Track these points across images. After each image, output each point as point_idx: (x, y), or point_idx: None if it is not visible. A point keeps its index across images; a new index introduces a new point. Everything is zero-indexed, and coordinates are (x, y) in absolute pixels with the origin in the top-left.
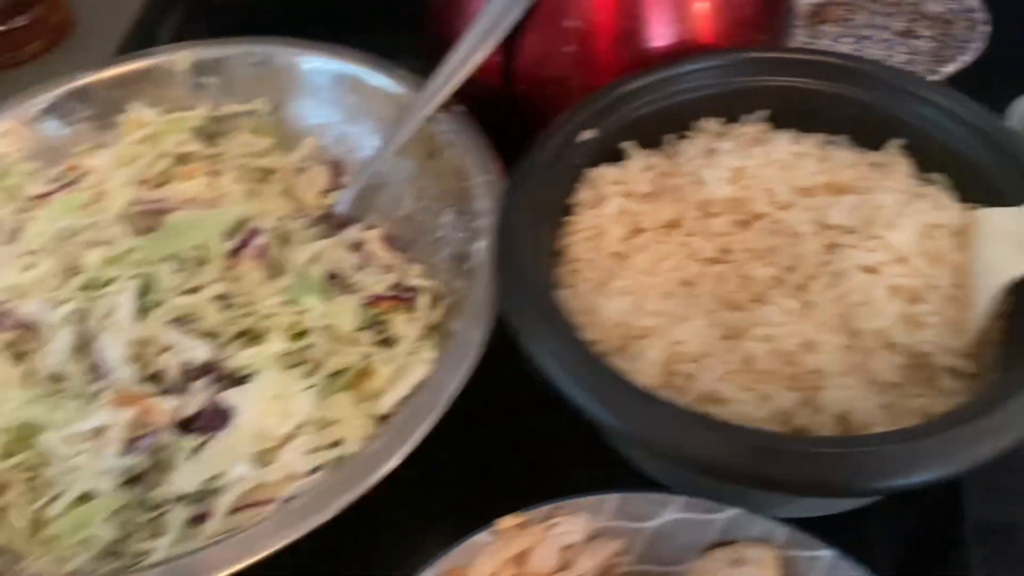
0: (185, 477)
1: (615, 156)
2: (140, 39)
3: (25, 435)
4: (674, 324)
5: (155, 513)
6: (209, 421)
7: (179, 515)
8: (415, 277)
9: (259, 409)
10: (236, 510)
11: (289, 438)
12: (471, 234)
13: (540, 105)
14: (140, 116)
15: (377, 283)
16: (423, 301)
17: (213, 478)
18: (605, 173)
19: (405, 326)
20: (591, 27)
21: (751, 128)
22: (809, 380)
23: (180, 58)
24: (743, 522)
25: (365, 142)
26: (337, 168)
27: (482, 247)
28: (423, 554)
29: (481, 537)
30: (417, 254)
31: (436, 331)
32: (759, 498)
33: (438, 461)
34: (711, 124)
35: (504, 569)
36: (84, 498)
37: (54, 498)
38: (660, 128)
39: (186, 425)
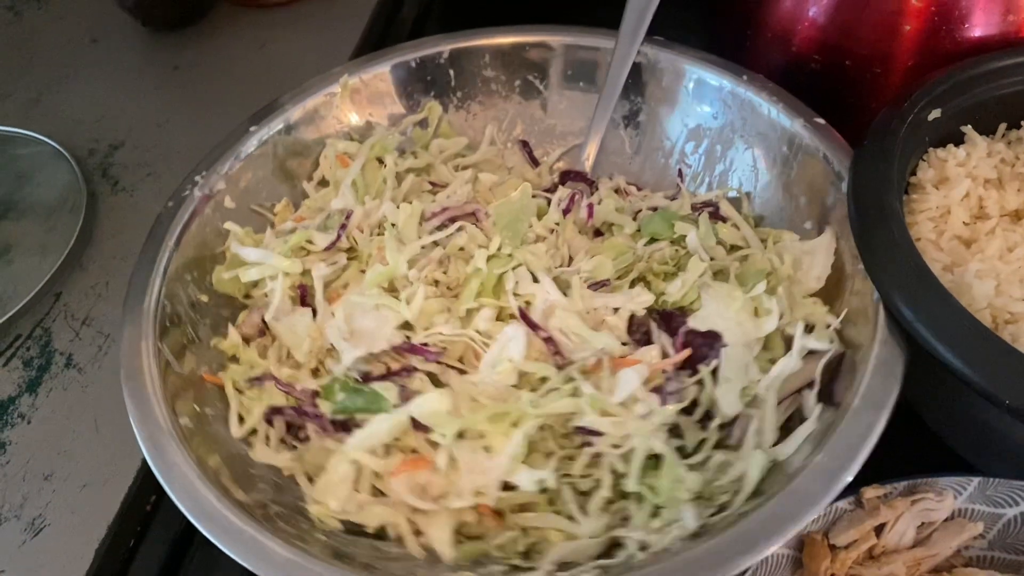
0: (727, 400)
1: (952, 138)
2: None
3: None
4: None
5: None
6: (701, 349)
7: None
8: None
9: (730, 318)
10: (781, 401)
11: (777, 332)
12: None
13: (860, 81)
14: (345, 147)
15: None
16: (725, 207)
17: (746, 389)
18: (950, 154)
19: (734, 232)
20: (935, 6)
21: None
22: None
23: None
24: None
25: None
26: (524, 146)
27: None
28: None
29: (842, 504)
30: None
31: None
32: None
33: None
34: None
35: (862, 538)
36: (651, 459)
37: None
38: (997, 116)
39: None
